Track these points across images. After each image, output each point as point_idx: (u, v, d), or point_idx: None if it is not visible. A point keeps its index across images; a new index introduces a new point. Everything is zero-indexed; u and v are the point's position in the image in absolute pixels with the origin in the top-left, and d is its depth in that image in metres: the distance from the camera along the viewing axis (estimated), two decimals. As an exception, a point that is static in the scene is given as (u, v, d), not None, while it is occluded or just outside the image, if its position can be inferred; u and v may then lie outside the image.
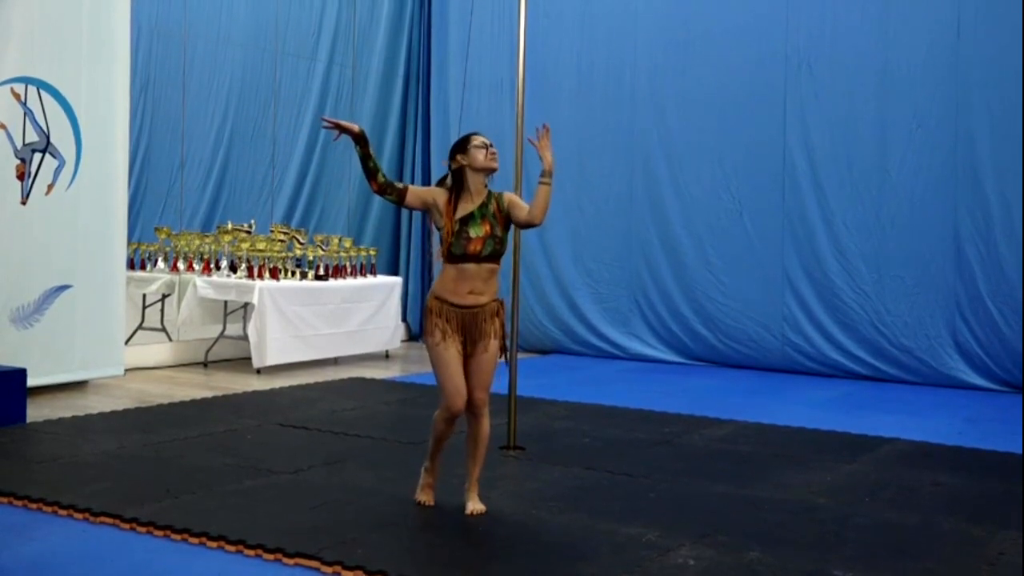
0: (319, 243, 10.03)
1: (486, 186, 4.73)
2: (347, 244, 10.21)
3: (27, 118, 7.38)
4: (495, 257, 4.65)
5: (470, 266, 4.61)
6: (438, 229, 4.71)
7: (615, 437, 6.62)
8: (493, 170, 4.71)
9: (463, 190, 4.68)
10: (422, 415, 6.42)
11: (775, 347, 10.02)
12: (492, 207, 4.68)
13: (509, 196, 4.77)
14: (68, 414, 6.84)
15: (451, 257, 4.62)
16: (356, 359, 10.01)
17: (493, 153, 4.70)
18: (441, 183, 4.79)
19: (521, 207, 4.71)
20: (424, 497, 4.88)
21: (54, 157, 7.52)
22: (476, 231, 4.60)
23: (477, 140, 4.70)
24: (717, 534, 4.53)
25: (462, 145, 4.72)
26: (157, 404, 7.37)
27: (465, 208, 4.65)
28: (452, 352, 4.62)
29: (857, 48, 9.65)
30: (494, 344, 4.69)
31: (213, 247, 9.58)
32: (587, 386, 8.91)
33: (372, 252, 10.57)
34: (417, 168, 12.02)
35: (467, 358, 4.69)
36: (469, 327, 4.65)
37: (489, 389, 4.74)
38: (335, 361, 9.83)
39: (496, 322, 4.69)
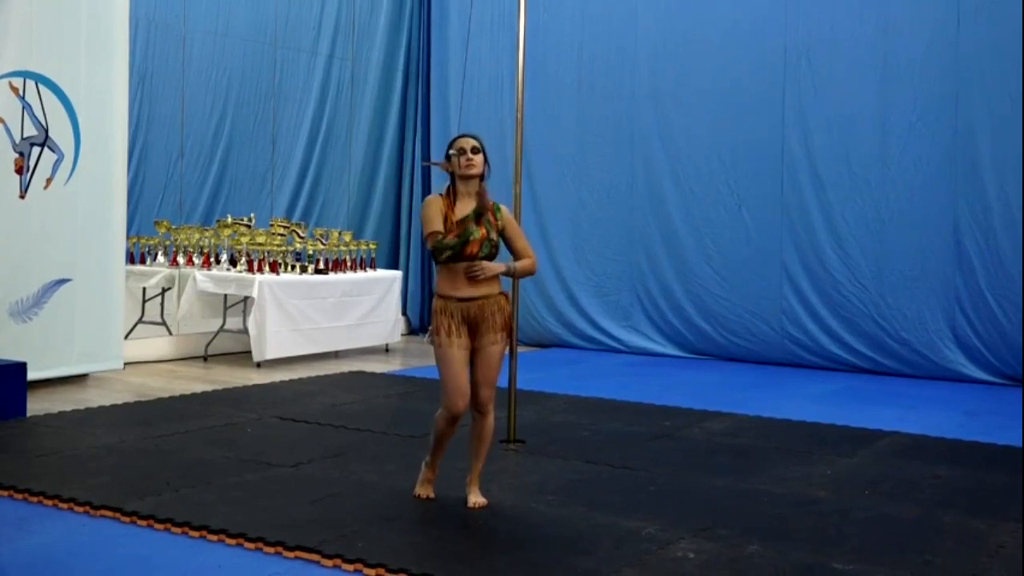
0: (319, 237, 10.03)
1: (479, 191, 4.70)
2: (347, 238, 10.21)
3: (25, 112, 7.36)
4: (489, 258, 4.68)
5: (463, 264, 4.62)
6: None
7: (615, 430, 6.63)
8: (469, 177, 4.68)
9: (457, 192, 4.72)
10: (422, 409, 6.43)
11: (775, 340, 10.02)
12: (488, 214, 4.69)
13: (507, 216, 4.78)
14: (68, 408, 6.85)
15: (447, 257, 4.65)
16: (356, 353, 10.01)
17: (468, 160, 4.65)
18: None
19: (517, 236, 4.78)
20: (424, 491, 4.89)
21: (53, 151, 7.52)
22: (475, 233, 4.61)
23: (457, 145, 4.70)
24: (717, 527, 4.53)
25: (448, 148, 4.75)
26: (157, 398, 7.37)
27: (462, 210, 4.68)
28: (457, 352, 4.62)
29: (856, 41, 9.63)
30: (501, 339, 4.69)
31: (213, 241, 9.58)
32: (587, 380, 8.92)
33: (372, 246, 10.57)
34: (417, 163, 12.01)
35: (473, 352, 4.69)
36: (475, 318, 4.65)
37: (495, 386, 4.74)
38: (335, 355, 9.82)
39: (502, 316, 4.69)
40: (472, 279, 4.63)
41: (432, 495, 4.87)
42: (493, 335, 4.66)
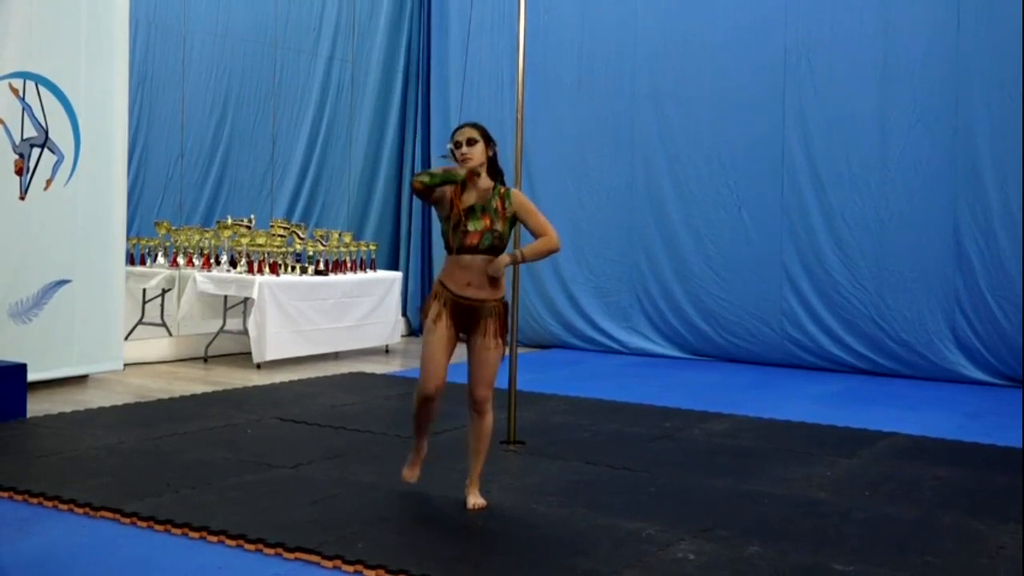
0: (319, 238, 10.03)
1: (491, 183, 4.70)
2: (347, 239, 10.21)
3: (25, 113, 7.36)
4: (494, 251, 4.64)
5: (466, 257, 4.61)
6: (441, 220, 4.71)
7: (615, 431, 6.63)
8: (469, 169, 4.63)
9: (464, 183, 4.69)
10: (422, 410, 6.40)
11: (775, 341, 10.02)
12: (496, 203, 4.66)
13: (518, 199, 4.72)
14: (68, 409, 6.84)
15: (450, 248, 4.64)
16: (356, 354, 10.01)
17: (462, 153, 4.63)
18: None
19: (530, 215, 4.71)
20: (410, 474, 4.90)
21: (53, 152, 7.52)
22: (475, 225, 4.59)
23: (454, 138, 4.69)
24: (717, 528, 4.53)
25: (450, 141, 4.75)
26: (157, 399, 7.37)
27: (468, 200, 4.66)
28: (439, 336, 4.62)
29: (856, 42, 9.63)
30: (495, 345, 4.66)
31: (213, 242, 9.58)
32: (587, 381, 8.91)
33: (372, 247, 10.57)
34: (417, 163, 12.01)
35: (469, 352, 4.70)
36: (467, 319, 4.65)
37: (491, 386, 4.72)
38: (335, 356, 9.83)
39: (496, 322, 4.66)
40: (494, 283, 4.61)
41: (417, 478, 4.88)
42: (485, 339, 4.64)
